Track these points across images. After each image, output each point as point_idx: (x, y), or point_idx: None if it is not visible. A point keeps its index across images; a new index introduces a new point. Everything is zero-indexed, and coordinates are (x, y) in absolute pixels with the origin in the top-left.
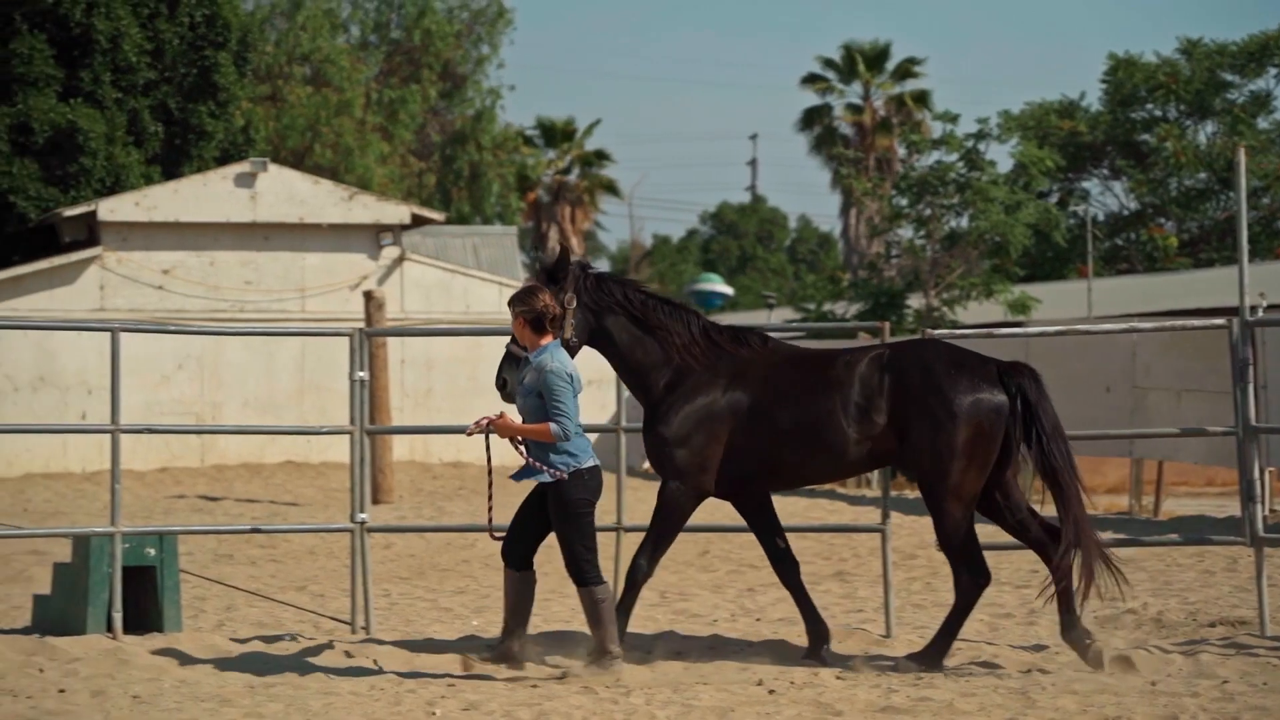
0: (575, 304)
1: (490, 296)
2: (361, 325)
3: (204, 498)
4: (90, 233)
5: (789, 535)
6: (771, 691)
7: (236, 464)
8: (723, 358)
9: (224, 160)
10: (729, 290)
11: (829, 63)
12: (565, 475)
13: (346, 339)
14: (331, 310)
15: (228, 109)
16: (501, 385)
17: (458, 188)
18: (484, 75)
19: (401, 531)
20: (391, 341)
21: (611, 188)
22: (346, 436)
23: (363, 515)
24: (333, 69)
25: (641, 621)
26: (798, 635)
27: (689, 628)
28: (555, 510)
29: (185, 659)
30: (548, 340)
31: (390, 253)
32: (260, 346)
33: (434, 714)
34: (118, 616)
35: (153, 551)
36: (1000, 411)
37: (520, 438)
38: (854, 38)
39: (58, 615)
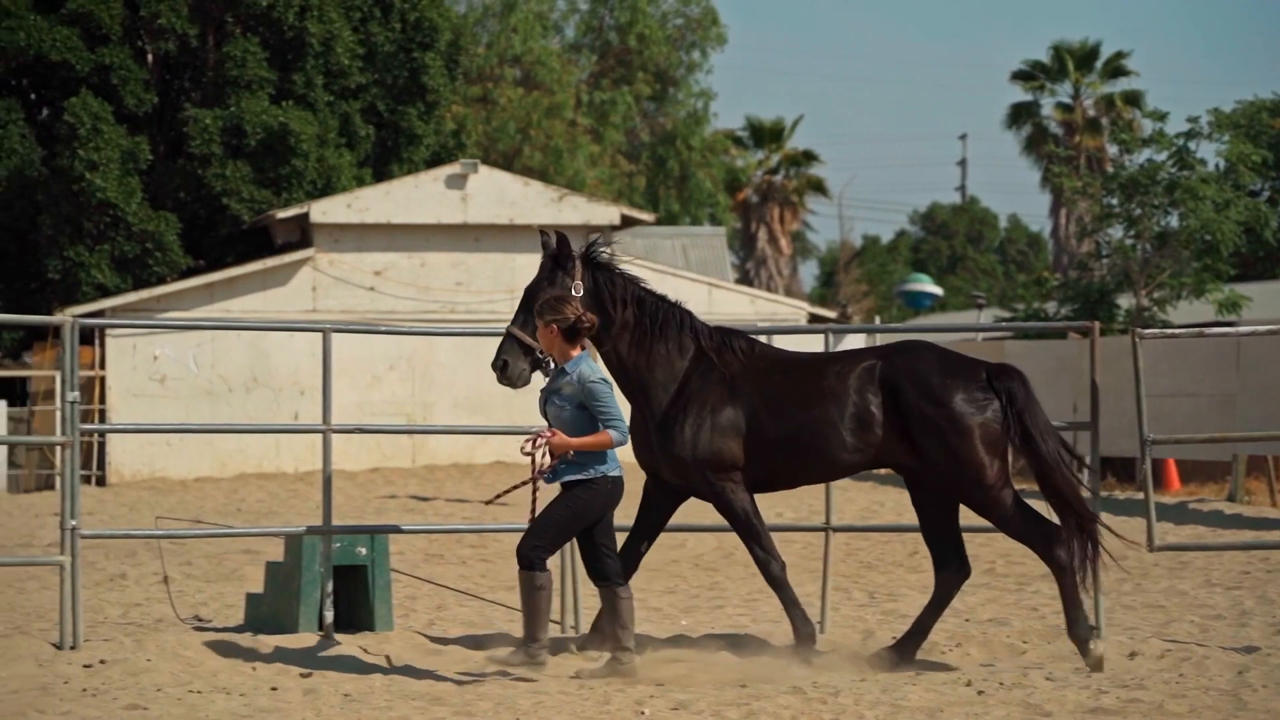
0: (581, 292)
1: (699, 297)
2: None
3: (415, 498)
4: (303, 234)
5: (998, 535)
6: (980, 692)
7: (447, 464)
8: (721, 360)
9: (434, 162)
10: (939, 290)
11: (1038, 65)
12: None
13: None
14: None
15: (436, 111)
16: (502, 367)
17: (667, 188)
18: (694, 79)
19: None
20: None
21: (820, 188)
22: None
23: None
24: (543, 70)
25: (850, 621)
26: (1006, 636)
27: (897, 628)
28: (566, 501)
29: (396, 657)
30: (579, 351)
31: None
32: (470, 347)
33: (643, 713)
34: (329, 615)
35: (364, 551)
36: (997, 412)
37: (569, 456)
38: (1064, 37)
39: (270, 613)
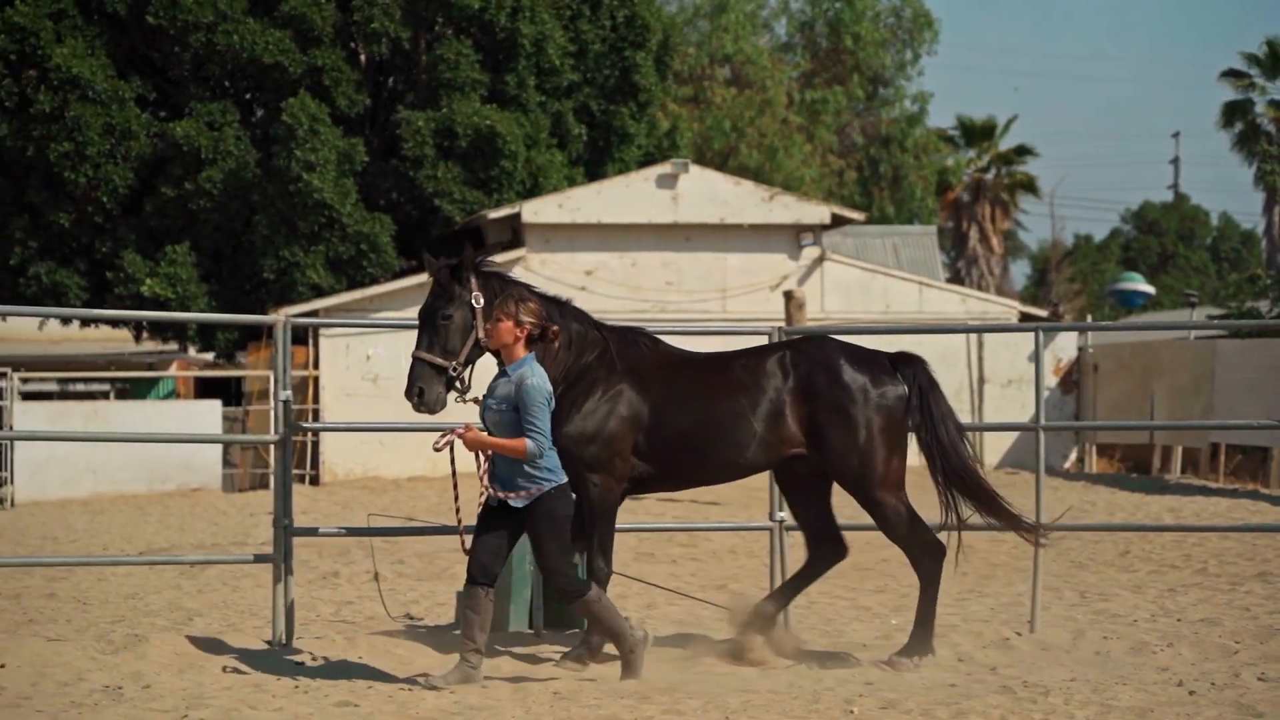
0: (482, 304)
1: (910, 296)
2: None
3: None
4: (514, 234)
5: (1211, 535)
6: (1191, 692)
7: None
8: (619, 357)
9: (647, 162)
10: (1150, 289)
11: (1252, 58)
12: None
13: (765, 338)
14: (752, 310)
15: (648, 110)
16: (419, 394)
17: (880, 190)
18: (906, 79)
19: None
20: None
21: (1031, 186)
22: None
23: (781, 514)
24: (754, 70)
25: (1060, 621)
26: (1219, 636)
27: (1109, 628)
28: (542, 526)
29: (605, 656)
30: (527, 353)
31: (810, 253)
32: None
33: (852, 712)
34: (539, 613)
35: None
36: (903, 399)
37: (488, 452)
38: (1277, 34)
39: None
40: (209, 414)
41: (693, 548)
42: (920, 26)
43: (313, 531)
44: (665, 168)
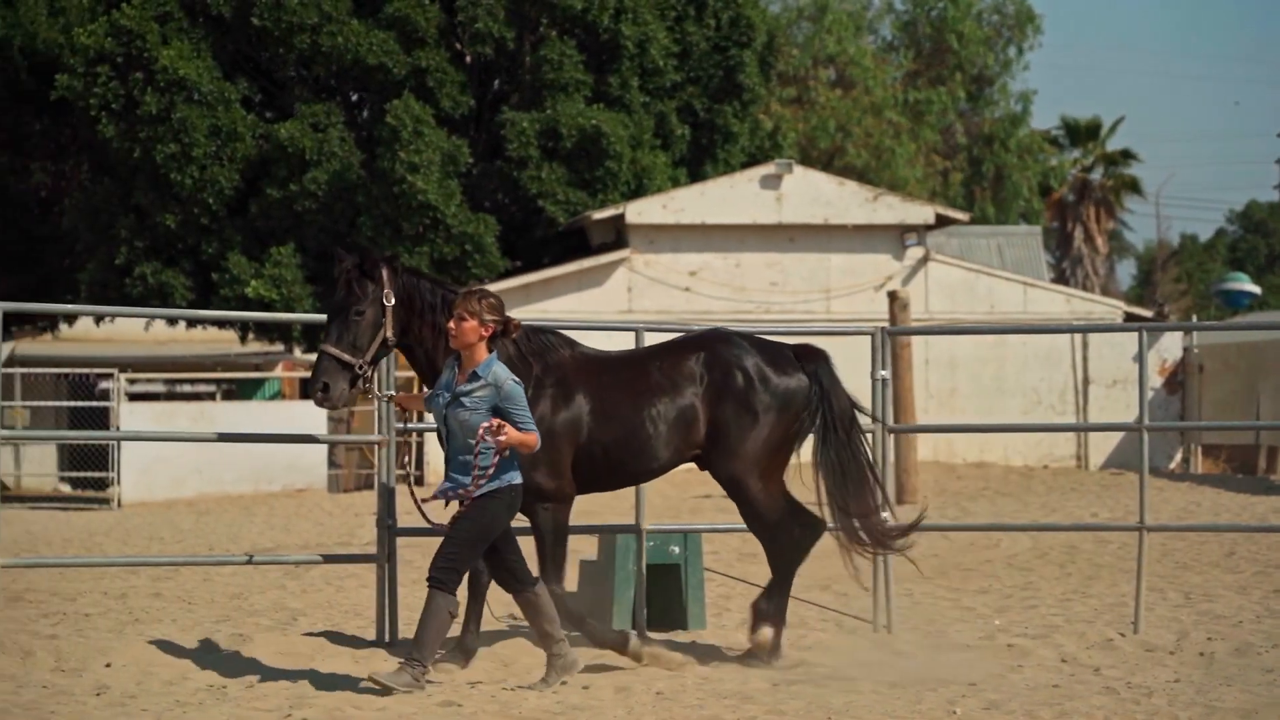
0: (394, 302)
1: (1014, 296)
2: (884, 325)
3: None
4: (618, 235)
5: None
6: None
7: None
8: (538, 359)
9: (751, 162)
10: (1256, 289)
11: None
12: (474, 493)
13: (868, 338)
14: (856, 311)
15: (751, 110)
16: (324, 390)
17: (982, 190)
18: (1010, 78)
19: (924, 531)
20: (916, 341)
21: (1135, 186)
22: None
23: (884, 515)
24: (857, 70)
25: (1165, 622)
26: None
27: (1213, 629)
28: (474, 517)
29: (708, 656)
30: (490, 353)
31: (914, 253)
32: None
33: (955, 712)
34: (642, 613)
35: (677, 550)
36: (806, 394)
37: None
38: None
39: (585, 612)
40: (314, 415)
41: None
42: (1023, 22)
43: (415, 531)
44: (769, 168)
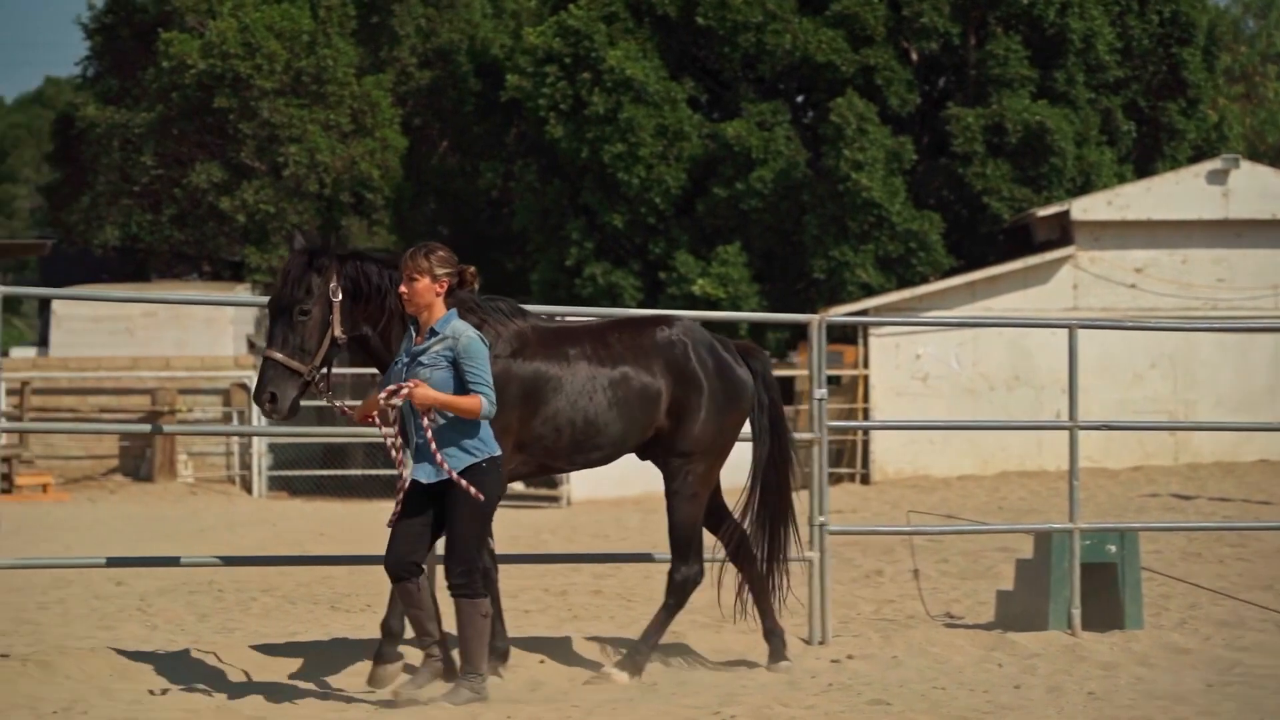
0: (340, 297)
1: None
2: None
3: (1176, 496)
4: (1063, 232)
5: None
6: None
7: (1210, 462)
8: (496, 335)
9: (1196, 157)
10: None
11: None
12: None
13: None
14: None
15: (1197, 107)
16: (271, 400)
17: None
18: None
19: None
20: None
21: None
22: None
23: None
24: None
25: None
26: None
27: None
28: (464, 505)
29: (1142, 657)
30: (449, 309)
31: None
32: (1233, 344)
33: None
34: (1076, 613)
35: (1113, 549)
36: (753, 394)
37: (430, 416)
38: None
39: (1020, 611)
40: None
41: (1242, 548)
42: None
43: (848, 531)
44: (1215, 164)
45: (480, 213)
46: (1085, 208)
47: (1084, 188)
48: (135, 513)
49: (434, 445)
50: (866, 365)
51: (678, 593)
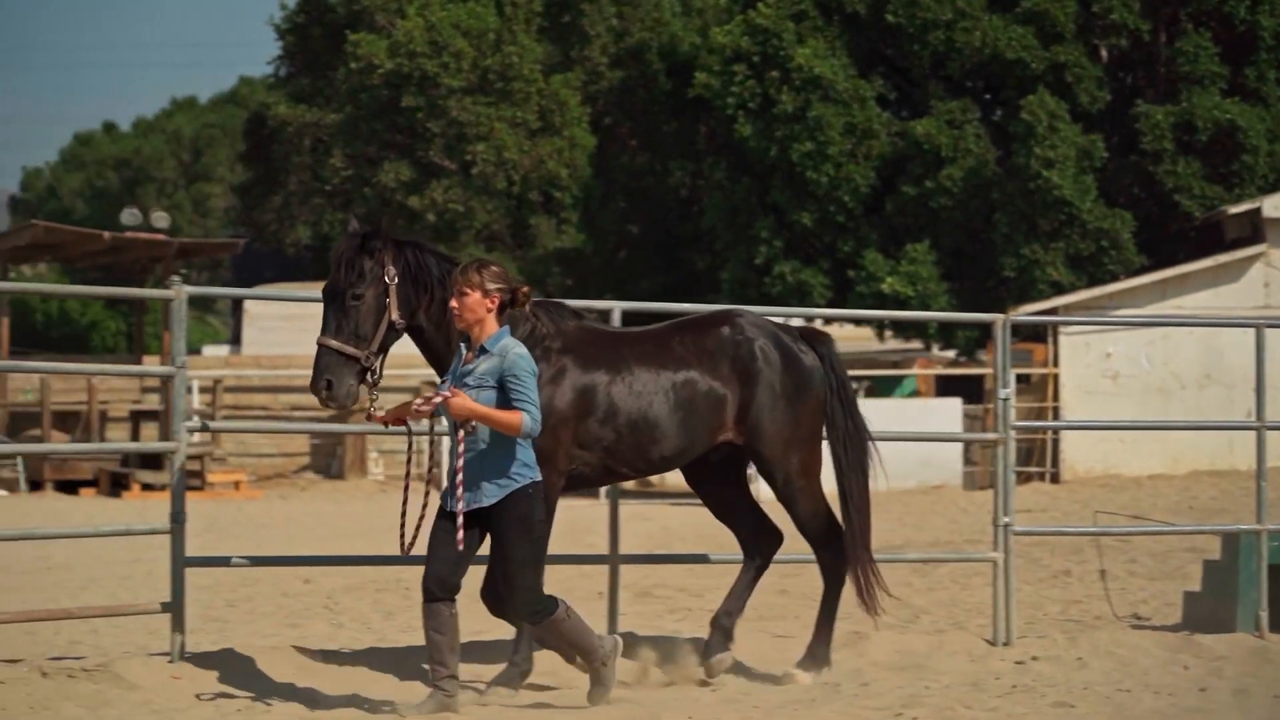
0: (396, 279)
1: None
2: None
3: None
4: (1254, 230)
5: None
6: None
7: None
8: (557, 335)
9: None
10: None
11: None
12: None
13: None
14: None
15: None
16: (327, 388)
17: None
18: None
19: None
20: None
21: None
22: None
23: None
24: None
25: None
26: None
27: None
28: (513, 530)
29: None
30: (501, 325)
31: None
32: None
33: None
34: (1264, 615)
35: None
36: (824, 380)
37: (468, 427)
38: None
39: (1207, 612)
40: (949, 412)
41: None
42: None
43: (1033, 531)
44: None
45: (669, 211)
46: (1277, 205)
47: (1276, 185)
48: (325, 510)
49: (461, 476)
50: (1056, 364)
51: (832, 579)
